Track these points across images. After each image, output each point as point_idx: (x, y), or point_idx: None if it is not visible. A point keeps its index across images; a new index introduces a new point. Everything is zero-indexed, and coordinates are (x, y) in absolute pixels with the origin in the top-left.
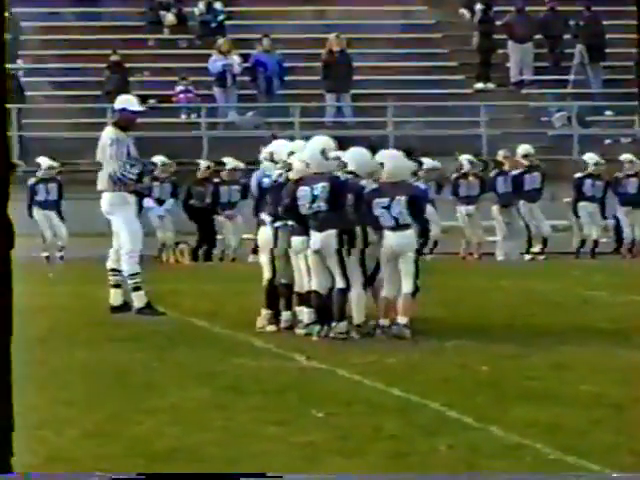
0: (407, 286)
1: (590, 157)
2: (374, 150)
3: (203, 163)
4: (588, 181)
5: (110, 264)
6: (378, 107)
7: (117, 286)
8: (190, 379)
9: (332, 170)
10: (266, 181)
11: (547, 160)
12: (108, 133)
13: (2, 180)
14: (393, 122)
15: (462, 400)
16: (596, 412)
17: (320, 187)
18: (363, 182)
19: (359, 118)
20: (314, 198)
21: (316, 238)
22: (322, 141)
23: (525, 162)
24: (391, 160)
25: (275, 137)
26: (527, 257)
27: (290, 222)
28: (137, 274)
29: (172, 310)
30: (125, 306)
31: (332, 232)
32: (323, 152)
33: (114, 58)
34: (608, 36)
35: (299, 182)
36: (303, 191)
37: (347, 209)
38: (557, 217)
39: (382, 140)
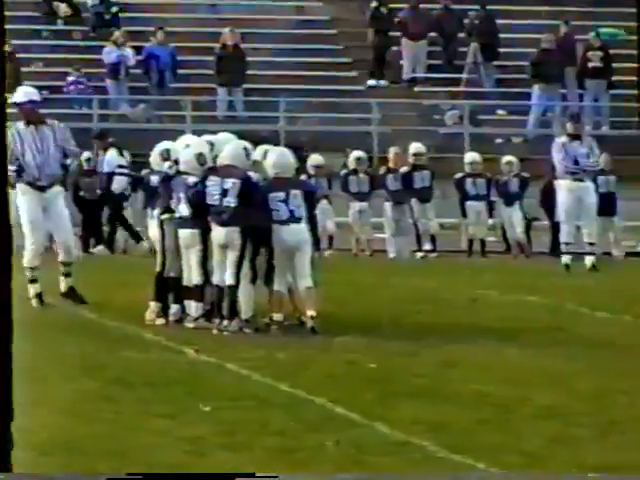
0: (306, 281)
1: (468, 156)
2: (258, 145)
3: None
4: (469, 180)
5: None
6: (270, 102)
7: (33, 281)
8: (78, 371)
9: (247, 168)
10: (154, 178)
11: (438, 158)
12: (10, 128)
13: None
14: (285, 117)
15: (349, 396)
16: (483, 411)
17: (231, 182)
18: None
19: (251, 113)
20: (224, 192)
21: (220, 233)
22: (241, 142)
23: (411, 160)
24: (277, 155)
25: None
26: (419, 255)
27: (178, 215)
28: (34, 268)
29: (61, 301)
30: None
31: (236, 228)
32: (245, 149)
33: (6, 49)
34: (502, 35)
35: (211, 172)
36: (213, 181)
37: (256, 207)
38: (448, 215)
39: (273, 135)
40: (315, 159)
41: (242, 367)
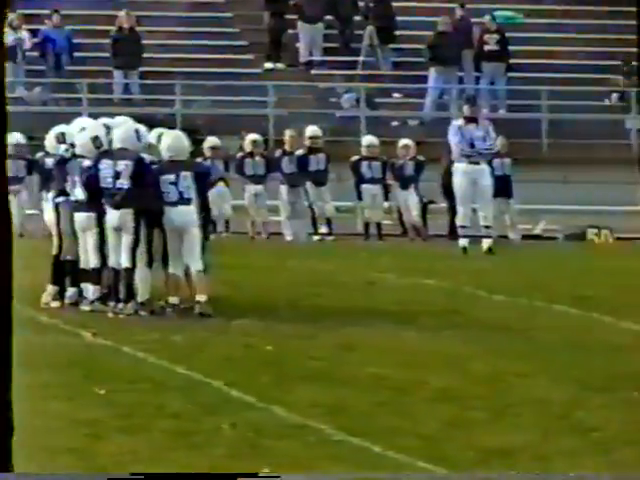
0: (196, 264)
1: (365, 139)
2: (152, 128)
3: None
4: (364, 163)
5: None
6: (166, 85)
7: None
8: None
9: (140, 151)
10: (49, 161)
11: (335, 141)
12: None
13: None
14: (181, 100)
15: (246, 379)
16: (380, 394)
17: (123, 165)
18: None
19: (147, 95)
20: (117, 175)
21: (114, 216)
22: (133, 124)
23: (307, 143)
24: (171, 138)
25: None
26: (315, 238)
27: (73, 198)
28: None
29: None
30: None
31: (129, 211)
32: (137, 131)
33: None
34: (398, 18)
35: (104, 155)
36: (105, 164)
37: (149, 189)
38: (343, 199)
39: (170, 118)
40: (211, 141)
41: (138, 350)
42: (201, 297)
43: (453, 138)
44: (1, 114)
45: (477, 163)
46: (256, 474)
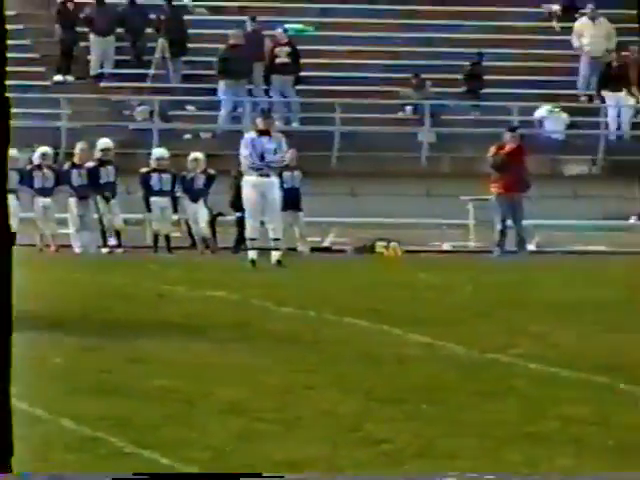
0: None
1: (155, 152)
2: None
3: None
4: (154, 175)
5: None
6: None
7: None
8: None
9: None
10: None
11: (125, 154)
12: None
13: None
14: None
15: (34, 392)
16: (169, 406)
17: None
18: None
19: None
20: None
21: None
22: None
23: (98, 155)
24: None
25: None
26: (104, 250)
27: None
28: None
29: None
30: None
31: None
32: None
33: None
34: (191, 31)
35: None
36: None
37: None
38: (132, 211)
39: None
40: None
41: None
42: None
43: (244, 151)
44: (2, 112)
45: (267, 175)
46: (260, 474)
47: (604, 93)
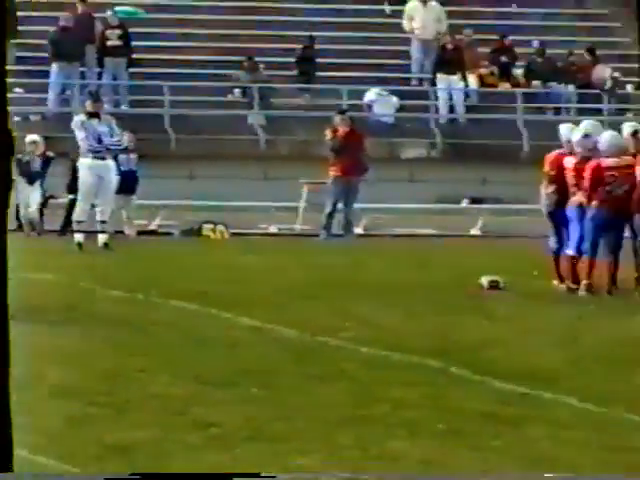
0: None
1: None
2: None
3: None
4: None
5: None
6: None
7: None
8: None
9: None
10: None
11: None
12: None
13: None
14: None
15: None
16: None
17: None
18: None
19: None
20: None
21: None
22: None
23: None
24: None
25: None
26: None
27: None
28: None
29: None
30: None
31: None
32: None
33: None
34: (21, 14)
35: None
36: None
37: None
38: None
39: None
40: None
41: None
42: None
43: (79, 133)
44: (2, 113)
45: (103, 159)
46: (258, 474)
47: (439, 76)
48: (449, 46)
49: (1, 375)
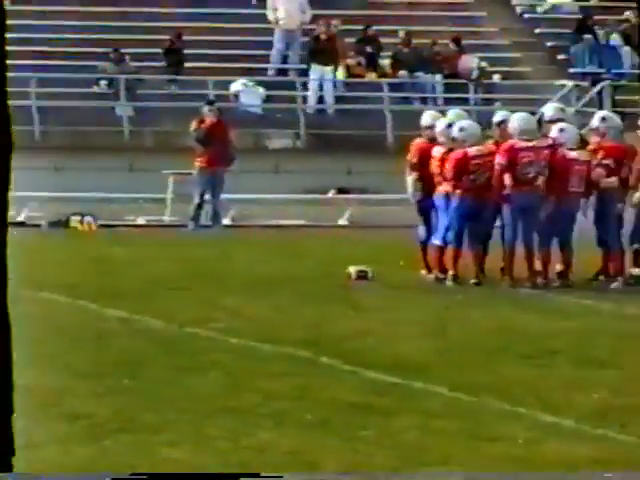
0: None
1: None
2: None
3: None
4: None
5: None
6: None
7: None
8: None
9: None
10: None
11: None
12: None
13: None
14: None
15: None
16: None
17: None
18: None
19: None
20: None
21: None
22: None
23: None
24: None
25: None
26: None
27: None
28: None
29: None
30: None
31: None
32: None
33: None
34: None
35: None
36: None
37: None
38: None
39: None
40: None
41: None
42: None
43: None
44: (2, 113)
45: None
46: (258, 474)
47: (313, 67)
48: (323, 36)
49: (3, 376)
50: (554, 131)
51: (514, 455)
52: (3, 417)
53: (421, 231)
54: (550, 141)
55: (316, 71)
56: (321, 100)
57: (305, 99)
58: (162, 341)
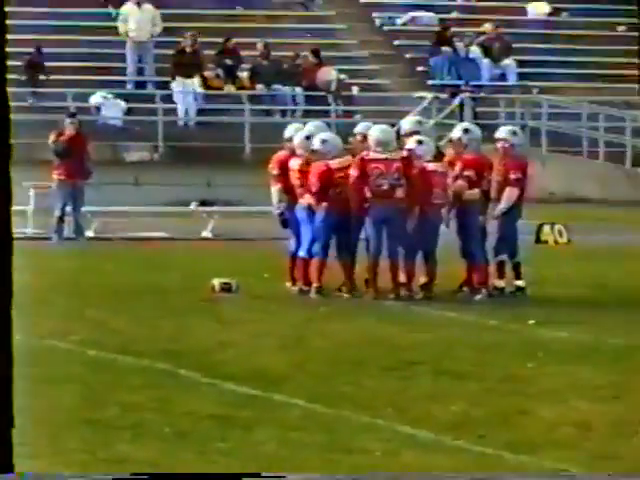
0: None
1: None
2: None
3: None
4: None
5: None
6: None
7: None
8: None
9: None
10: None
11: None
12: None
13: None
14: None
15: None
16: None
17: None
18: None
19: None
20: None
21: None
22: None
23: None
24: None
25: None
26: None
27: None
28: None
29: None
30: None
31: None
32: None
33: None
34: None
35: None
36: None
37: None
38: None
39: None
40: None
41: None
42: None
43: None
44: (3, 116)
45: None
46: (259, 474)
47: (177, 79)
48: (187, 49)
49: (4, 376)
50: (411, 143)
51: (371, 466)
52: (3, 418)
53: (292, 243)
54: (404, 153)
55: (180, 84)
56: (186, 112)
57: (165, 112)
58: (20, 353)
